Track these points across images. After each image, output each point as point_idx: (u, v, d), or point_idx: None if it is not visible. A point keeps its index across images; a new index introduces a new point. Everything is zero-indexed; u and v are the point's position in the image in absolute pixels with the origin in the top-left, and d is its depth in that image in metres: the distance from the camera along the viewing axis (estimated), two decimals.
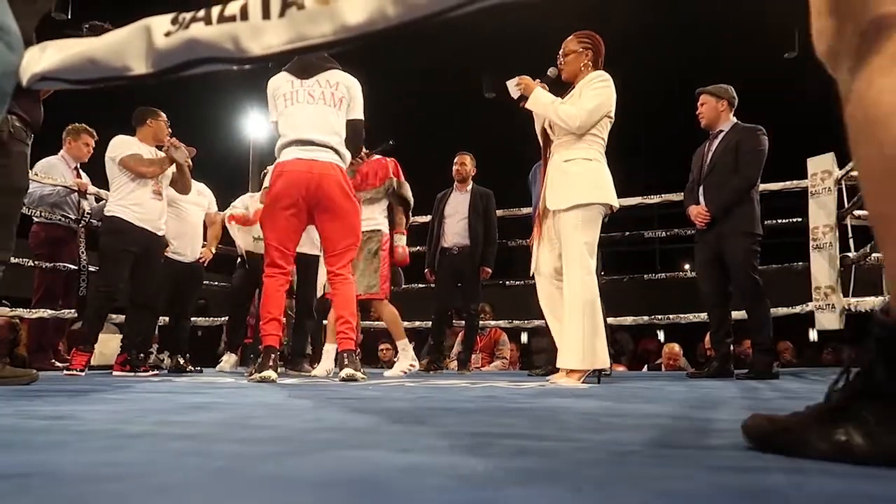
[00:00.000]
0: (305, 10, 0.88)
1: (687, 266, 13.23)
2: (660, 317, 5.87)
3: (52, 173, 5.05)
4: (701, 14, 8.62)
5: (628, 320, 5.86)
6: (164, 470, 0.82)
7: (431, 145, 5.78)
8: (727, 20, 8.67)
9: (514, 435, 1.19)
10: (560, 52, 3.36)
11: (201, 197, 5.12)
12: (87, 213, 5.11)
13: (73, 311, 5.03)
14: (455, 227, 5.33)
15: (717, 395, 2.35)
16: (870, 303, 4.41)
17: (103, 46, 0.98)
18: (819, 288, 4.77)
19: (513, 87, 3.33)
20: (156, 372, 4.49)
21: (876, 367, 0.84)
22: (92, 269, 4.98)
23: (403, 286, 5.99)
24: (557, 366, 3.18)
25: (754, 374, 3.71)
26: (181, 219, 4.86)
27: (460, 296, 5.54)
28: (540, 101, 3.21)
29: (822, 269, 4.76)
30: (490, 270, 5.38)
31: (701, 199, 4.03)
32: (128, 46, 0.96)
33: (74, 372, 3.94)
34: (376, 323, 5.91)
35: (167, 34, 0.94)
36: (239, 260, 5.34)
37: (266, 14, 0.90)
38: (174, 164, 4.36)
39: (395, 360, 4.47)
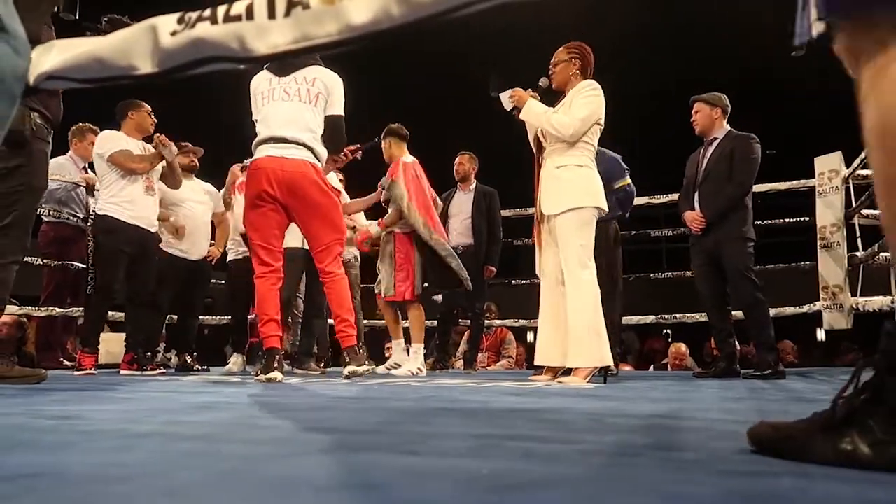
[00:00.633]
0: (311, 10, 0.88)
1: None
2: (666, 316, 5.85)
3: (61, 173, 5.07)
4: (707, 15, 8.60)
5: (634, 319, 5.85)
6: (171, 471, 0.82)
7: (438, 145, 5.78)
8: (734, 18, 8.63)
9: (518, 437, 1.19)
10: (551, 63, 3.46)
11: (208, 196, 5.13)
12: (94, 211, 5.13)
13: (81, 309, 5.05)
14: (459, 227, 5.34)
15: (722, 396, 2.34)
16: (878, 302, 4.38)
17: (110, 46, 0.98)
18: (827, 287, 4.75)
19: (506, 99, 3.43)
20: (163, 370, 4.50)
21: (884, 378, 0.83)
22: None
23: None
24: (567, 365, 3.20)
25: (761, 374, 3.71)
26: (188, 218, 4.86)
27: (465, 295, 5.54)
28: (533, 111, 3.32)
29: (830, 268, 4.74)
30: (494, 269, 5.39)
31: (696, 204, 4.09)
32: (134, 46, 0.96)
33: (87, 371, 3.96)
34: (381, 322, 5.91)
35: (173, 33, 0.94)
36: (237, 258, 5.33)
37: (272, 13, 0.90)
38: (164, 160, 4.31)
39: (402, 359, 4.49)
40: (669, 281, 6.35)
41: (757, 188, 4.42)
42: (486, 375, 4.70)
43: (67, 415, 1.50)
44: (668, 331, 10.63)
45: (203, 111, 8.95)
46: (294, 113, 3.34)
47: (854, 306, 4.56)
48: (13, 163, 2.70)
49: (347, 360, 3.38)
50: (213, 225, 5.30)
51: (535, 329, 3.74)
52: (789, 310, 5.16)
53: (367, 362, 3.53)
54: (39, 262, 4.91)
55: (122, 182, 4.18)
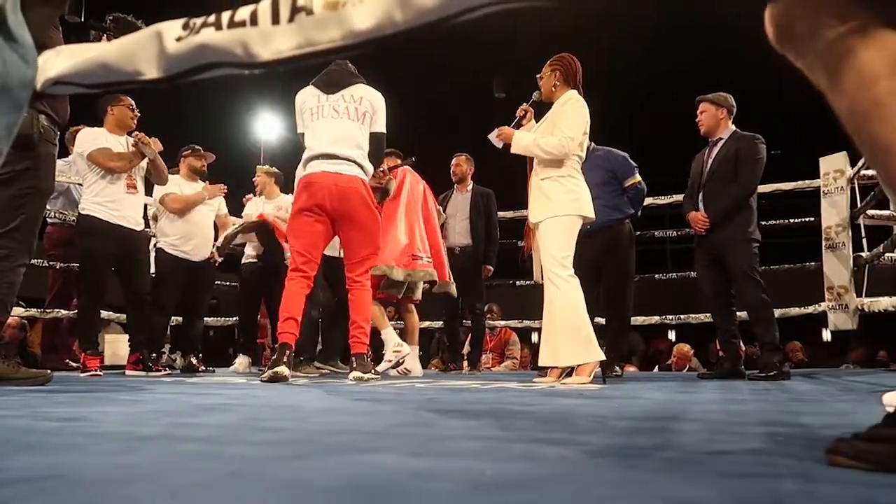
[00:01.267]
0: (314, 16, 0.88)
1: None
2: (671, 317, 5.85)
3: (65, 174, 5.10)
4: (711, 16, 8.58)
5: (639, 320, 5.84)
6: (176, 473, 0.82)
7: (443, 147, 5.79)
8: (740, 18, 8.62)
9: (523, 439, 1.19)
10: (538, 76, 3.54)
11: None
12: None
13: None
14: (457, 228, 5.41)
15: (726, 398, 2.34)
16: (883, 303, 4.37)
17: (115, 51, 0.99)
18: (832, 288, 4.74)
19: (494, 138, 3.54)
20: (168, 372, 4.51)
21: None
22: None
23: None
24: (559, 364, 3.26)
25: (765, 375, 3.69)
26: (190, 220, 4.87)
27: (464, 296, 5.58)
28: (521, 143, 3.40)
29: (835, 268, 4.73)
30: (492, 268, 5.47)
31: (700, 205, 4.08)
32: (139, 51, 0.97)
33: (92, 373, 3.97)
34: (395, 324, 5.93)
35: (178, 39, 0.95)
36: (247, 261, 5.35)
37: (276, 19, 0.90)
38: (145, 158, 4.24)
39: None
40: (674, 282, 6.34)
41: (762, 188, 4.42)
42: (490, 376, 4.71)
43: (73, 417, 1.51)
44: (673, 332, 10.61)
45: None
46: (344, 130, 3.52)
47: (859, 307, 4.54)
48: (21, 166, 2.71)
49: (354, 365, 3.48)
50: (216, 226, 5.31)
51: (538, 330, 3.77)
52: (794, 310, 5.15)
53: (372, 370, 3.59)
54: (45, 263, 4.93)
55: (103, 182, 4.11)
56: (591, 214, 3.37)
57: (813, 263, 5.24)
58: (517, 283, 6.44)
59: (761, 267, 3.99)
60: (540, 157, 3.34)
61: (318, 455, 0.97)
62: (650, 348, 9.74)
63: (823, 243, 4.84)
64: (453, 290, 4.75)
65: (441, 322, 6.35)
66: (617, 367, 4.31)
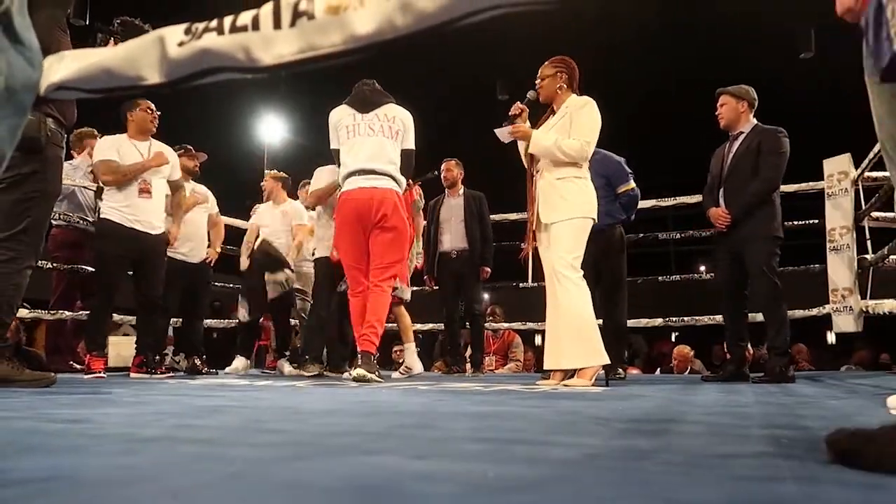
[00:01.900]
0: (316, 21, 0.89)
1: (702, 268, 13.14)
2: (674, 319, 5.83)
3: (72, 177, 5.11)
4: (714, 13, 8.57)
5: (642, 322, 5.83)
6: (177, 474, 0.83)
7: (446, 150, 5.81)
8: (741, 20, 8.61)
9: (525, 441, 1.19)
10: (538, 77, 3.52)
11: (204, 198, 5.13)
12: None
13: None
14: (452, 232, 5.44)
15: (730, 400, 2.34)
16: (888, 305, 4.36)
17: (118, 56, 0.99)
18: (836, 290, 4.72)
19: (505, 133, 3.52)
20: (171, 374, 4.52)
21: None
22: None
23: (424, 289, 6.08)
24: (563, 367, 3.25)
25: (770, 378, 3.67)
26: (187, 221, 4.87)
27: (463, 298, 5.61)
28: (541, 144, 3.36)
29: (840, 270, 4.71)
30: (489, 270, 5.50)
31: (721, 201, 3.96)
32: (142, 56, 0.98)
33: (96, 374, 3.98)
34: (391, 325, 5.94)
35: (180, 44, 0.96)
36: (248, 264, 5.35)
37: (277, 24, 0.91)
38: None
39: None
40: (677, 284, 6.33)
41: None
42: (493, 379, 4.70)
43: (76, 418, 1.51)
44: (676, 333, 10.60)
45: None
46: (380, 148, 3.79)
47: (864, 309, 4.53)
48: (28, 169, 2.73)
49: (359, 362, 3.60)
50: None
51: (542, 332, 3.78)
52: (799, 312, 5.14)
53: (376, 372, 3.66)
54: (49, 265, 4.95)
55: (117, 187, 4.18)
56: (597, 218, 3.39)
57: (817, 265, 5.23)
58: (520, 285, 6.44)
59: None
60: (559, 159, 3.32)
61: (319, 456, 0.98)
62: (653, 350, 9.73)
63: (828, 245, 4.83)
64: (407, 295, 4.90)
65: (443, 324, 6.36)
66: (620, 370, 4.30)
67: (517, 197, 5.66)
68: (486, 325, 6.40)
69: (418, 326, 6.48)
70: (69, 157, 5.29)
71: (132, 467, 0.88)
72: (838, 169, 4.84)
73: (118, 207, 4.17)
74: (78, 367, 4.98)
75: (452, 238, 5.43)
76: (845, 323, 4.65)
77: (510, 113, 3.55)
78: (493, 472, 0.84)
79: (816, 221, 5.21)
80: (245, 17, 0.93)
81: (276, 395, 2.52)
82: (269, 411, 1.80)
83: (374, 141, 3.78)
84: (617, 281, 4.40)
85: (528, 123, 3.54)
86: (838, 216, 4.78)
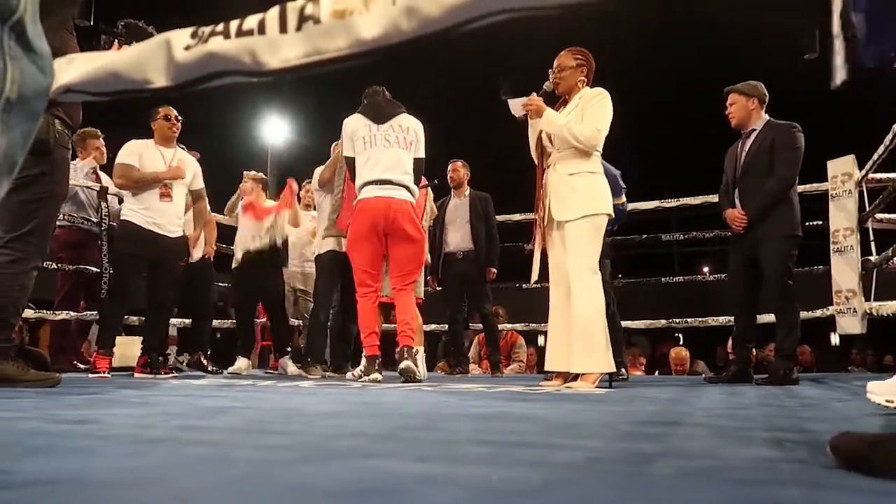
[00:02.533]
0: (322, 25, 0.89)
1: (706, 269, 13.11)
2: (677, 321, 5.83)
3: (73, 178, 5.12)
4: (717, 14, 8.56)
5: (646, 324, 5.83)
6: (182, 476, 0.83)
7: (449, 151, 5.82)
8: (745, 20, 8.59)
9: (528, 443, 1.20)
10: (554, 67, 3.45)
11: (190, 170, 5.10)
12: (106, 216, 5.15)
13: (94, 313, 5.09)
14: (458, 232, 5.45)
15: (733, 402, 2.34)
16: (892, 307, 4.34)
17: (125, 60, 1.00)
18: (840, 292, 4.71)
19: (517, 105, 3.44)
20: (175, 374, 4.53)
21: None
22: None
23: (427, 288, 6.06)
24: (571, 370, 3.21)
25: (773, 380, 3.66)
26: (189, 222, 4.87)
27: (470, 299, 5.60)
28: (554, 122, 3.31)
29: (844, 272, 4.70)
30: (495, 270, 5.49)
31: (737, 201, 3.89)
32: (149, 60, 0.98)
33: (100, 374, 4.00)
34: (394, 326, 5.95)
35: (187, 48, 0.96)
36: (236, 264, 5.33)
37: (283, 28, 0.92)
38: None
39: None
40: (681, 285, 6.33)
41: None
42: (496, 380, 4.70)
43: (82, 419, 1.52)
44: (680, 335, 10.58)
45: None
46: (396, 159, 3.91)
47: (868, 311, 4.52)
48: (36, 170, 2.74)
49: (405, 355, 3.79)
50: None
51: (545, 333, 3.77)
52: (802, 314, 5.12)
53: (378, 370, 3.80)
54: (54, 265, 4.96)
55: (141, 190, 4.27)
56: (612, 212, 3.34)
57: (821, 267, 5.22)
58: (523, 285, 6.44)
59: None
60: (568, 141, 3.25)
61: (323, 459, 0.98)
62: (657, 352, 9.72)
63: (831, 247, 4.81)
64: (420, 290, 4.91)
65: (445, 325, 6.36)
66: (623, 371, 4.29)
67: (519, 198, 5.68)
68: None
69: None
70: (73, 157, 5.30)
71: (138, 469, 0.89)
72: (842, 170, 4.83)
73: (138, 210, 4.25)
74: (82, 366, 5.00)
75: (458, 239, 5.44)
76: (849, 324, 4.64)
77: (526, 105, 3.47)
78: (497, 476, 0.84)
79: (820, 223, 5.19)
80: (251, 22, 0.94)
81: (279, 396, 2.53)
82: (273, 413, 1.80)
83: (390, 152, 3.90)
84: (604, 285, 4.39)
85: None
86: (842, 217, 4.76)
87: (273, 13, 0.93)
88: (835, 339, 10.56)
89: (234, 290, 5.43)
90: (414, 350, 3.83)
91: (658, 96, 9.83)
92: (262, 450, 1.09)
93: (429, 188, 5.10)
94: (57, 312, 5.00)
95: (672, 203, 5.76)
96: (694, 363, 8.27)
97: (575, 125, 3.25)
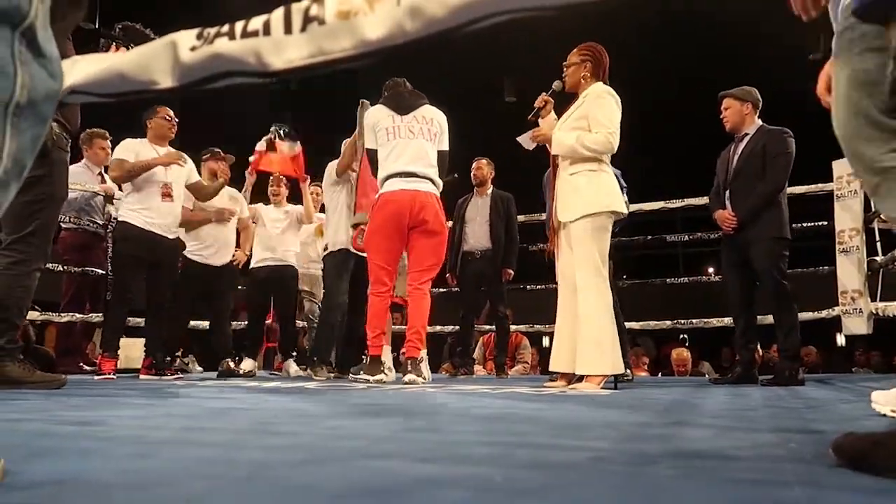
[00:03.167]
0: (326, 26, 0.89)
1: (711, 270, 13.09)
2: (683, 321, 5.81)
3: (78, 181, 5.14)
4: (722, 13, 8.54)
5: (650, 325, 5.82)
6: (189, 478, 0.83)
7: (464, 149, 5.81)
8: (751, 21, 8.57)
9: (532, 444, 1.20)
10: (564, 65, 3.47)
11: (233, 202, 5.10)
12: (114, 218, 5.16)
13: (100, 315, 5.10)
14: (477, 231, 5.40)
15: (738, 404, 2.33)
16: None
17: (131, 61, 1.00)
18: (846, 292, 4.70)
19: (526, 140, 3.50)
20: (180, 375, 4.53)
21: None
22: None
23: (433, 290, 6.04)
24: (577, 372, 3.19)
25: (778, 381, 3.65)
26: (213, 223, 4.86)
27: (486, 299, 5.57)
28: (564, 144, 3.29)
29: (849, 272, 4.68)
30: (512, 272, 5.44)
31: (727, 203, 3.95)
32: (154, 61, 0.99)
33: (106, 376, 4.00)
34: (402, 327, 5.92)
35: (192, 49, 0.97)
36: (257, 265, 5.33)
37: (288, 29, 0.92)
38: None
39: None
40: (686, 286, 6.31)
41: None
42: (500, 381, 4.70)
43: (87, 421, 1.52)
44: (685, 336, 10.56)
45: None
46: (421, 150, 3.79)
47: (874, 311, 4.50)
48: (36, 173, 2.75)
49: (409, 368, 3.68)
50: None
51: (549, 334, 3.77)
52: (808, 315, 5.11)
53: (423, 375, 3.73)
54: (60, 268, 4.98)
55: (138, 189, 4.22)
56: (624, 209, 3.31)
57: (826, 267, 5.20)
58: (527, 286, 6.44)
59: None
60: (584, 156, 3.24)
61: (328, 460, 0.98)
62: (661, 353, 9.70)
63: (837, 247, 4.80)
64: None
65: (451, 327, 6.35)
66: (628, 372, 4.28)
67: (523, 198, 5.68)
68: (492, 326, 6.39)
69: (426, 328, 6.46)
70: (79, 157, 5.33)
71: (143, 471, 0.89)
72: (847, 171, 4.81)
73: (137, 210, 4.21)
74: (88, 368, 5.01)
75: (477, 238, 5.39)
76: (855, 325, 4.62)
77: (535, 105, 3.50)
78: (501, 476, 0.84)
79: (826, 223, 5.18)
80: (256, 23, 0.94)
81: (284, 397, 2.53)
82: (278, 414, 1.80)
83: (415, 144, 3.79)
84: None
85: (554, 115, 3.48)
86: (847, 218, 4.75)
87: (278, 14, 0.93)
88: (840, 340, 10.54)
89: (249, 291, 5.42)
90: (419, 359, 3.72)
91: (661, 96, 9.81)
92: (268, 451, 1.09)
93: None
94: (63, 314, 5.02)
95: (676, 204, 5.75)
96: (699, 364, 8.26)
97: (587, 137, 3.22)
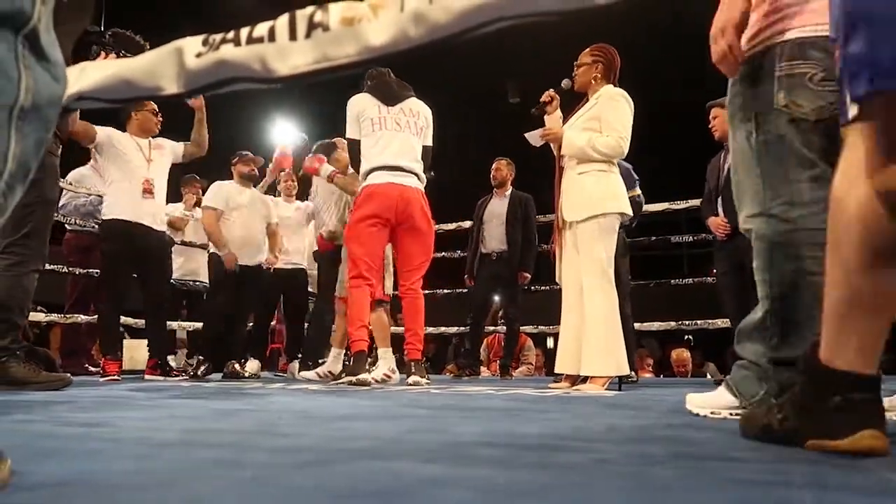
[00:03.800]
0: (331, 32, 0.90)
1: (715, 271, 13.04)
2: (687, 322, 5.80)
3: (84, 184, 5.17)
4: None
5: (655, 326, 5.81)
6: (194, 479, 0.84)
7: (470, 151, 5.81)
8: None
9: (536, 446, 1.20)
10: (575, 64, 3.47)
11: (263, 205, 5.06)
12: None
13: None
14: (494, 233, 5.36)
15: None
16: None
17: (137, 68, 1.01)
18: None
19: (536, 137, 3.47)
20: (185, 377, 4.53)
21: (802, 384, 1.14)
22: None
23: (439, 291, 6.03)
24: (581, 373, 3.19)
25: None
26: (241, 225, 4.84)
27: (500, 300, 5.54)
28: (575, 145, 3.28)
29: None
30: (528, 275, 5.38)
31: (719, 210, 4.00)
32: (160, 67, 1.00)
33: (112, 377, 4.01)
34: (398, 329, 5.90)
35: (198, 55, 0.98)
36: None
37: (293, 35, 0.93)
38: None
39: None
40: (690, 287, 6.29)
41: None
42: (505, 382, 4.70)
43: (93, 422, 1.53)
44: (690, 337, 10.53)
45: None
46: (407, 144, 3.68)
47: None
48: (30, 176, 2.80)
49: (413, 370, 3.63)
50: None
51: (554, 335, 3.76)
52: None
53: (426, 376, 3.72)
54: (64, 270, 5.00)
55: (120, 187, 4.13)
56: (629, 211, 3.31)
57: None
58: (532, 287, 6.44)
59: None
60: (594, 158, 3.23)
61: (332, 461, 0.99)
62: (666, 354, 9.68)
63: None
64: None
65: (456, 328, 6.35)
66: (633, 373, 4.28)
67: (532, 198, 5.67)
68: (496, 327, 6.39)
69: (432, 329, 6.47)
70: (85, 160, 5.32)
71: (149, 472, 0.90)
72: None
73: (121, 205, 4.11)
74: (93, 369, 5.03)
75: (493, 239, 5.36)
76: None
77: (541, 99, 3.48)
78: (504, 478, 0.85)
79: None
80: (261, 29, 0.95)
81: (288, 398, 2.54)
82: (283, 415, 1.81)
83: (402, 137, 3.66)
84: (620, 284, 4.38)
85: (559, 112, 3.47)
86: None
87: (283, 21, 0.94)
88: None
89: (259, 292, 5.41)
90: (421, 362, 3.68)
91: (667, 98, 9.79)
92: (272, 452, 1.10)
93: None
94: (67, 316, 5.04)
95: (681, 205, 5.73)
96: (704, 365, 8.24)
97: (598, 140, 3.22)
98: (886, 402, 1.83)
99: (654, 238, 6.27)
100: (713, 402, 1.77)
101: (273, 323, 6.06)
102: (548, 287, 5.73)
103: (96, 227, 5.22)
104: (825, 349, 1.07)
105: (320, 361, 4.75)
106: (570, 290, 3.34)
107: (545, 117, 3.48)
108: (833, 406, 1.02)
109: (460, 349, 6.06)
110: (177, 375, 4.43)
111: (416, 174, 3.68)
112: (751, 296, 3.94)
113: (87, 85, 1.00)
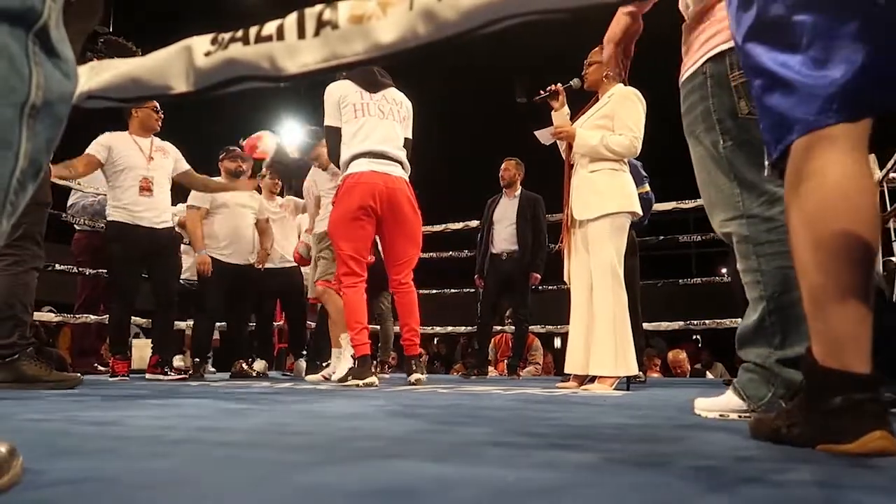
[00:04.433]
0: (339, 30, 0.90)
1: (724, 270, 13.01)
2: (695, 322, 5.78)
3: (94, 183, 5.19)
4: None
5: (663, 326, 5.79)
6: (204, 477, 0.84)
7: (479, 151, 5.81)
8: None
9: (544, 445, 1.20)
10: (585, 62, 3.45)
11: (253, 201, 5.07)
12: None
13: None
14: (503, 233, 5.35)
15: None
16: None
17: (146, 67, 1.02)
18: None
19: (546, 135, 3.43)
20: (184, 376, 4.51)
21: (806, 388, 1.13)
22: None
23: (447, 291, 6.02)
24: (590, 373, 3.18)
25: None
26: (230, 222, 4.84)
27: (509, 301, 5.53)
28: (588, 143, 3.26)
29: None
30: (539, 276, 5.36)
31: None
32: (170, 66, 1.00)
33: (120, 377, 4.02)
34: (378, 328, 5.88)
35: (207, 54, 0.98)
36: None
37: (301, 34, 0.93)
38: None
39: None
40: (698, 286, 6.27)
41: None
42: (513, 382, 4.70)
43: (105, 421, 1.54)
44: (698, 336, 10.48)
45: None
46: (391, 132, 3.55)
47: None
48: None
49: (413, 367, 3.57)
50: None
51: (561, 335, 3.76)
52: None
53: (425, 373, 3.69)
54: (74, 270, 5.03)
55: (120, 187, 4.15)
56: (640, 210, 3.30)
57: None
58: (539, 287, 6.43)
59: None
60: (606, 157, 3.22)
61: (342, 461, 0.99)
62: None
63: None
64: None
65: (464, 328, 6.35)
66: (640, 373, 4.27)
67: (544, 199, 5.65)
68: (503, 327, 6.39)
69: (439, 329, 6.47)
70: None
71: (161, 470, 0.90)
72: None
73: (121, 206, 4.13)
74: (102, 368, 5.06)
75: (503, 240, 5.34)
76: None
77: (546, 90, 3.45)
78: (513, 477, 0.85)
79: None
80: (270, 28, 0.96)
81: (297, 397, 2.54)
82: (292, 415, 1.81)
83: (385, 124, 3.52)
84: (629, 284, 4.37)
85: (566, 108, 3.45)
86: None
87: (291, 19, 0.94)
88: None
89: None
90: (420, 357, 3.63)
91: (676, 95, 9.77)
92: (282, 451, 1.10)
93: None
94: (77, 316, 5.07)
95: (689, 204, 5.71)
96: (712, 366, 8.21)
97: (611, 139, 3.20)
98: (704, 402, 1.86)
99: (662, 238, 6.25)
100: (721, 405, 1.76)
101: (280, 322, 6.08)
102: (555, 286, 5.73)
103: (105, 226, 5.26)
104: (814, 346, 1.08)
105: (324, 364, 4.76)
106: (579, 290, 3.33)
107: (552, 114, 3.46)
108: (836, 407, 1.02)
109: (468, 349, 6.06)
110: (178, 374, 4.42)
111: (400, 162, 3.55)
112: None
113: (96, 84, 1.01)
